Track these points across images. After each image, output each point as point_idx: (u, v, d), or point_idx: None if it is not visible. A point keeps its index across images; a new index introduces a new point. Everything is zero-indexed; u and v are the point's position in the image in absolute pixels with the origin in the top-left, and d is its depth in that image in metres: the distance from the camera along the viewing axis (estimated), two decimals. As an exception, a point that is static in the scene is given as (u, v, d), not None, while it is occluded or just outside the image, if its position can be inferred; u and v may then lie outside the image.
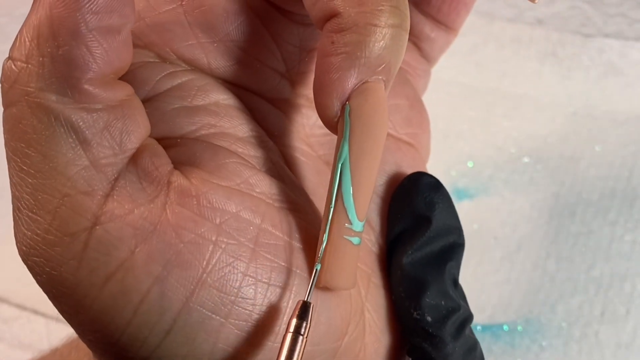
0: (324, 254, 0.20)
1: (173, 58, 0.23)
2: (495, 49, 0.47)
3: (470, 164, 0.44)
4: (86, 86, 0.19)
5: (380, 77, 0.20)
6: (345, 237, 0.20)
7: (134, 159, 0.20)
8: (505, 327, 0.40)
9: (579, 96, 0.45)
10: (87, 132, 0.19)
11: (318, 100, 0.20)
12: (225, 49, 0.23)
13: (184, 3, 0.22)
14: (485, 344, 0.39)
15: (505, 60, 0.46)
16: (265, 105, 0.24)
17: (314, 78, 0.21)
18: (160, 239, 0.19)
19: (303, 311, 0.20)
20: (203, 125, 0.22)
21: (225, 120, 0.23)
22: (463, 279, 0.42)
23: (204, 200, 0.20)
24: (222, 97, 0.23)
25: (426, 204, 0.24)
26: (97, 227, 0.19)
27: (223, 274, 0.20)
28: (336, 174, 0.20)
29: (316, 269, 0.20)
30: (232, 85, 0.24)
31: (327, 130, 0.22)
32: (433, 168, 0.45)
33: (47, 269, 0.19)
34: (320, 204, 0.24)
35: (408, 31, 0.21)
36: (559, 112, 0.45)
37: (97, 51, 0.19)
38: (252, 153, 0.23)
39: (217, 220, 0.20)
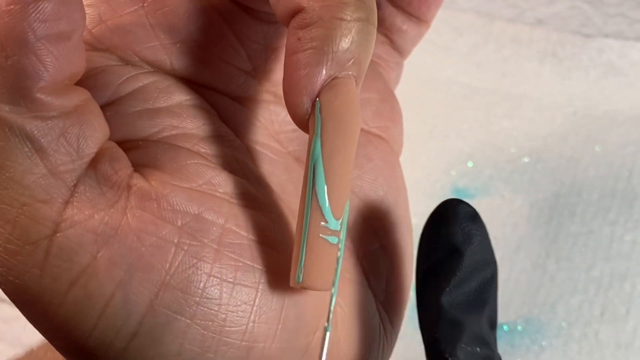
0: (300, 252, 0.20)
1: (136, 60, 0.23)
2: (495, 49, 0.47)
3: (470, 164, 0.44)
4: (38, 95, 0.18)
5: (350, 72, 0.20)
6: (321, 235, 0.20)
7: (93, 163, 0.20)
8: (505, 327, 0.40)
9: (579, 96, 0.45)
10: (42, 140, 0.19)
11: (288, 98, 0.20)
12: (189, 50, 0.23)
13: (145, 5, 0.22)
14: (485, 343, 0.40)
15: (505, 60, 0.46)
16: (231, 104, 0.24)
17: (283, 77, 0.20)
18: (122, 243, 0.19)
19: None
20: (165, 127, 0.22)
21: (188, 121, 0.23)
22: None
23: (164, 202, 0.20)
24: (186, 98, 0.23)
25: (464, 236, 0.24)
26: (58, 234, 0.19)
27: (186, 275, 0.20)
28: (309, 172, 0.20)
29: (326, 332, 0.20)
30: (197, 85, 0.23)
31: (296, 126, 0.22)
32: (433, 168, 0.45)
33: (11, 278, 0.19)
34: (291, 200, 0.24)
35: (376, 25, 0.20)
36: (559, 112, 0.45)
37: (47, 59, 0.18)
38: (215, 153, 0.22)
39: (179, 223, 0.20)
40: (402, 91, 0.46)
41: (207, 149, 0.22)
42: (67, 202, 0.19)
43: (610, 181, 0.42)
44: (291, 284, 0.21)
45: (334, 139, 0.20)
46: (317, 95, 0.20)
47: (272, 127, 0.25)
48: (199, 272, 0.20)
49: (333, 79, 0.20)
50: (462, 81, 0.46)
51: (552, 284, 0.40)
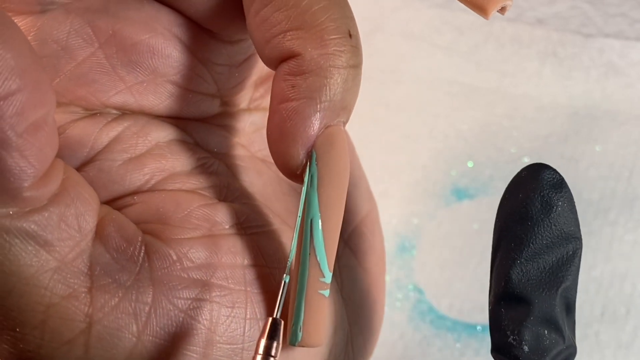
0: (298, 311, 0.20)
1: (102, 108, 0.22)
2: (495, 49, 0.47)
3: (470, 164, 0.43)
4: (28, 193, 0.17)
5: (341, 120, 0.20)
6: (319, 292, 0.20)
7: (99, 237, 0.19)
8: (505, 327, 0.40)
9: (579, 96, 0.45)
10: (44, 233, 0.18)
11: (279, 149, 0.20)
12: (155, 87, 0.22)
13: (102, 45, 0.21)
14: (486, 344, 0.39)
15: (505, 60, 0.46)
16: (201, 126, 0.24)
17: (269, 126, 0.20)
18: (160, 315, 0.19)
19: (273, 330, 0.19)
20: (154, 174, 0.21)
21: (172, 160, 0.22)
22: (463, 280, 0.42)
23: (186, 261, 0.20)
24: (162, 135, 0.22)
25: (542, 204, 0.22)
26: (94, 325, 0.18)
27: (227, 326, 0.20)
28: (307, 226, 0.19)
29: (285, 282, 0.20)
30: (167, 117, 0.23)
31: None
32: (433, 168, 0.45)
33: None
34: (274, 205, 0.24)
35: (362, 67, 0.20)
36: (559, 112, 0.45)
37: (30, 154, 0.17)
38: (206, 185, 0.22)
39: (206, 277, 0.20)
40: (402, 91, 0.46)
41: (197, 183, 0.22)
42: (90, 289, 0.18)
43: (610, 181, 0.42)
44: (289, 343, 0.20)
45: (331, 191, 0.19)
46: (312, 146, 0.19)
47: (236, 134, 0.25)
48: (237, 320, 0.20)
49: (326, 127, 0.19)
50: (462, 81, 0.46)
51: (552, 284, 0.40)
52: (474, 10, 0.22)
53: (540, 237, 0.21)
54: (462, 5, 0.29)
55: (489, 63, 0.46)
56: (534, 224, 0.21)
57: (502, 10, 0.23)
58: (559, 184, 0.22)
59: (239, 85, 0.24)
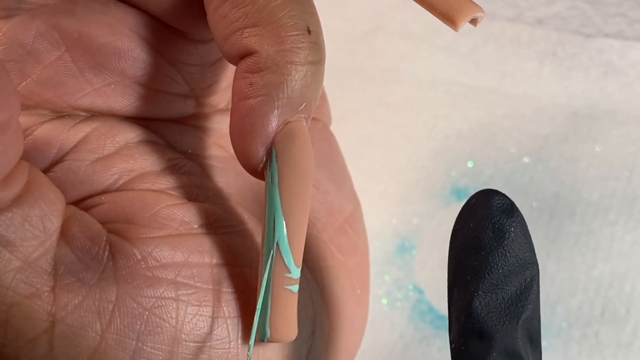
0: (265, 307, 0.20)
1: (70, 110, 0.22)
2: (495, 49, 0.47)
3: (470, 164, 0.44)
4: None
5: (302, 116, 0.20)
6: (286, 287, 0.20)
7: (63, 237, 0.19)
8: (505, 327, 0.40)
9: (578, 96, 0.45)
10: (7, 233, 0.18)
11: (240, 147, 0.20)
12: (123, 89, 0.22)
13: (68, 49, 0.21)
14: (485, 344, 0.39)
15: (505, 60, 0.46)
16: (174, 126, 0.24)
17: (231, 124, 0.20)
18: (124, 314, 0.19)
19: None
20: (122, 174, 0.22)
21: (141, 160, 0.22)
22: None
23: (151, 260, 0.20)
24: (131, 136, 0.22)
25: (494, 232, 0.21)
26: (57, 324, 0.18)
27: (193, 324, 0.20)
28: (269, 223, 0.20)
29: (249, 356, 0.20)
30: (137, 118, 0.23)
31: None
32: (433, 168, 0.45)
33: None
34: (253, 207, 0.24)
35: (325, 64, 0.20)
36: (559, 112, 0.45)
37: None
38: (176, 185, 0.22)
39: (171, 276, 0.20)
40: (402, 91, 0.46)
41: (166, 183, 0.22)
42: (54, 288, 0.19)
43: (610, 181, 0.42)
44: (258, 339, 0.20)
45: (292, 187, 0.19)
46: (272, 143, 0.19)
47: (214, 135, 0.25)
48: (204, 318, 0.20)
49: (286, 124, 0.19)
50: (462, 81, 0.46)
51: (552, 284, 0.40)
52: (443, 22, 0.22)
53: (496, 266, 0.21)
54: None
55: (489, 63, 0.46)
56: (487, 253, 0.21)
57: (474, 21, 0.23)
58: (510, 209, 0.21)
59: (213, 85, 0.24)
